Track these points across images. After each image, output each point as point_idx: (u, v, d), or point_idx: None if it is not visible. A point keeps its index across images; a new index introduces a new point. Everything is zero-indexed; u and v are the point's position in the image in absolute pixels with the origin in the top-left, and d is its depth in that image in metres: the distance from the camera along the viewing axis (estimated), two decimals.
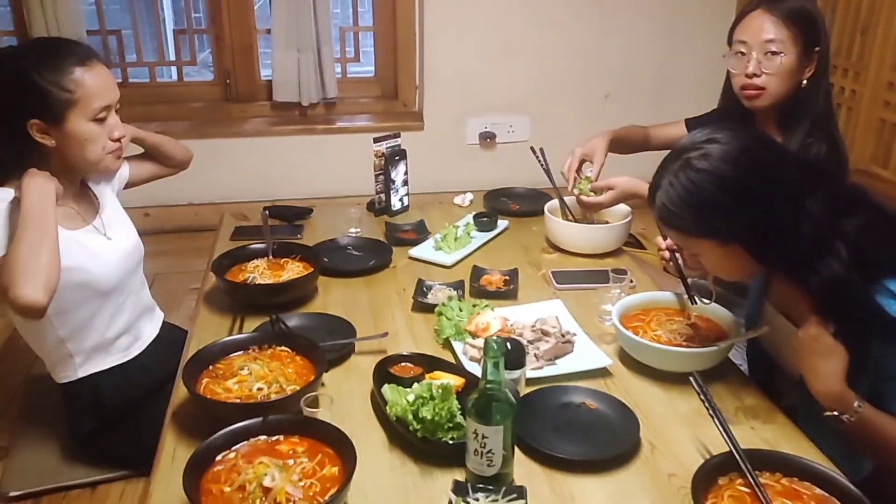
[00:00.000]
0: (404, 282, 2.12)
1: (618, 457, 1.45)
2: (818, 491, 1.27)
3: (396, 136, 2.54)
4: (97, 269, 1.83)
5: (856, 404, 1.37)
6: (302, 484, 1.27)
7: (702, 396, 1.42)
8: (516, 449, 1.40)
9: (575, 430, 1.52)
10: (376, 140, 2.50)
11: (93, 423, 1.95)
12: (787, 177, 1.43)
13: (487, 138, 3.59)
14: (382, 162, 2.49)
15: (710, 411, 1.39)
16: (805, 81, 1.90)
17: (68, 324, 1.84)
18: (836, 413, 1.38)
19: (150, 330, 2.08)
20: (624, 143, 2.38)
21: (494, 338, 1.31)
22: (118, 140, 1.81)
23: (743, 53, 1.92)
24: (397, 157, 2.51)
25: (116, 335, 1.94)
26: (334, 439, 1.36)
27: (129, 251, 1.97)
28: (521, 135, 3.59)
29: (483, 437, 1.31)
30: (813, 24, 1.87)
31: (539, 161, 2.44)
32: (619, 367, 1.74)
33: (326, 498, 1.23)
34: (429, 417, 1.41)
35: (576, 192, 2.27)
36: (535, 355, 1.74)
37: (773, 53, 1.87)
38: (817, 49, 1.88)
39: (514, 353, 1.56)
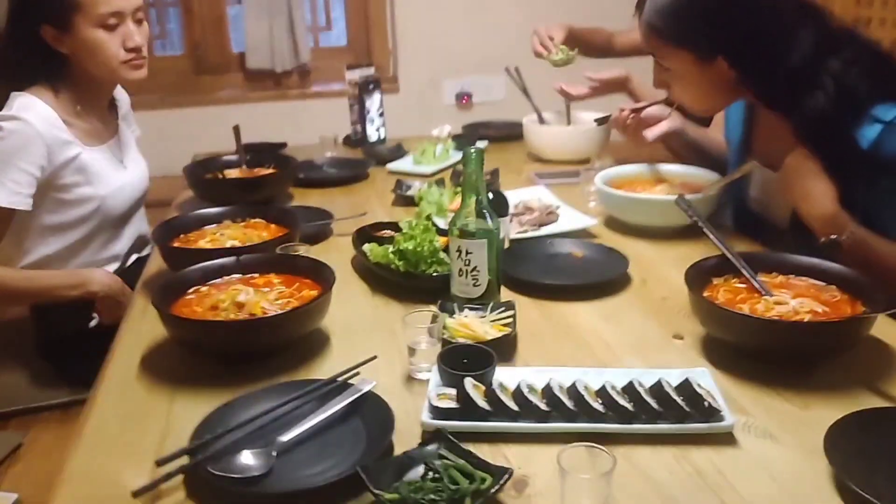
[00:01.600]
0: (383, 189, 2.07)
1: (608, 284, 1.40)
2: (814, 282, 1.23)
3: (370, 65, 2.52)
4: (108, 193, 1.77)
5: (850, 225, 1.33)
6: (279, 302, 1.21)
7: (689, 213, 1.38)
8: (503, 288, 1.36)
9: (563, 273, 1.47)
10: (349, 67, 2.48)
11: (65, 342, 1.87)
12: (785, 4, 1.40)
13: (464, 98, 3.58)
14: (357, 91, 2.46)
15: (701, 225, 1.35)
16: None
17: (63, 240, 1.78)
18: (832, 236, 1.33)
19: (134, 256, 2.00)
20: (584, 42, 2.36)
21: (472, 147, 1.26)
22: (134, 50, 1.73)
23: None
24: (371, 87, 2.48)
25: (106, 260, 1.87)
26: (312, 270, 1.30)
27: (139, 180, 1.92)
28: (497, 94, 3.58)
29: (467, 252, 1.26)
30: None
31: (515, 80, 2.43)
32: (606, 231, 1.70)
33: (307, 301, 1.17)
34: (411, 248, 1.36)
35: (554, 58, 2.24)
36: (519, 223, 1.69)
37: None
38: None
39: (496, 201, 1.51)
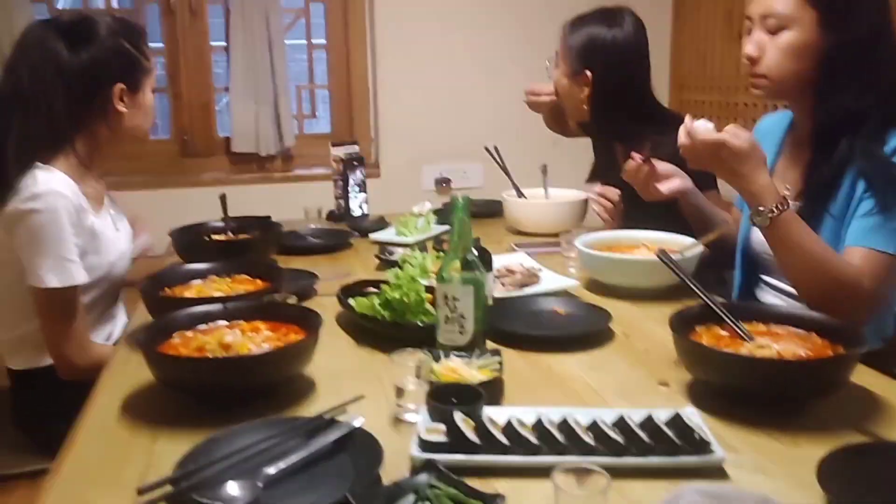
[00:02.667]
0: (366, 256, 2.09)
1: (592, 336, 1.41)
2: (795, 330, 1.25)
3: (354, 142, 2.59)
4: (114, 259, 1.78)
5: (785, 192, 1.42)
6: (266, 345, 1.20)
7: (671, 267, 1.41)
8: (488, 341, 1.36)
9: (546, 328, 1.49)
10: (334, 145, 2.54)
11: (45, 410, 1.81)
12: None
13: (443, 183, 3.67)
14: (341, 167, 2.52)
15: (682, 277, 1.37)
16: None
17: None
18: (760, 207, 1.38)
19: (121, 324, 1.98)
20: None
21: (460, 195, 1.30)
22: None
23: None
24: (355, 163, 2.55)
25: (107, 322, 1.85)
26: (299, 317, 1.30)
27: (128, 242, 1.93)
28: (475, 181, 3.68)
29: (454, 299, 1.27)
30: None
31: (494, 158, 2.51)
32: (587, 293, 1.72)
33: (296, 341, 1.16)
34: (398, 297, 1.37)
35: None
36: (501, 284, 1.71)
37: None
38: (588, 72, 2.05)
39: (481, 257, 1.53)
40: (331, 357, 1.34)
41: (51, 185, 1.59)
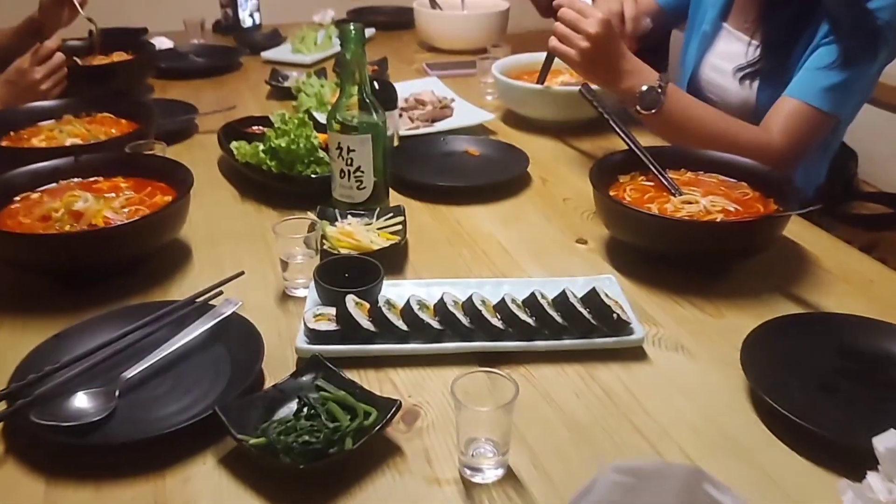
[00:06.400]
0: (257, 80, 1.85)
1: (506, 184, 1.28)
2: (724, 178, 1.14)
3: None
4: None
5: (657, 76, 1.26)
6: (126, 210, 1.02)
7: (594, 103, 1.26)
8: (392, 192, 1.21)
9: (458, 173, 1.34)
10: None
11: None
12: None
13: None
14: None
15: (605, 116, 1.23)
16: None
17: None
18: (644, 87, 1.24)
19: None
20: None
21: (352, 24, 1.09)
22: None
23: None
24: None
25: None
26: (167, 172, 1.11)
27: None
28: None
29: (349, 150, 1.10)
30: None
31: None
32: (503, 127, 1.57)
33: (159, 210, 0.99)
34: (284, 146, 1.19)
35: None
36: (410, 118, 1.54)
37: None
38: None
39: (383, 93, 1.35)
40: (209, 214, 1.19)
41: None
